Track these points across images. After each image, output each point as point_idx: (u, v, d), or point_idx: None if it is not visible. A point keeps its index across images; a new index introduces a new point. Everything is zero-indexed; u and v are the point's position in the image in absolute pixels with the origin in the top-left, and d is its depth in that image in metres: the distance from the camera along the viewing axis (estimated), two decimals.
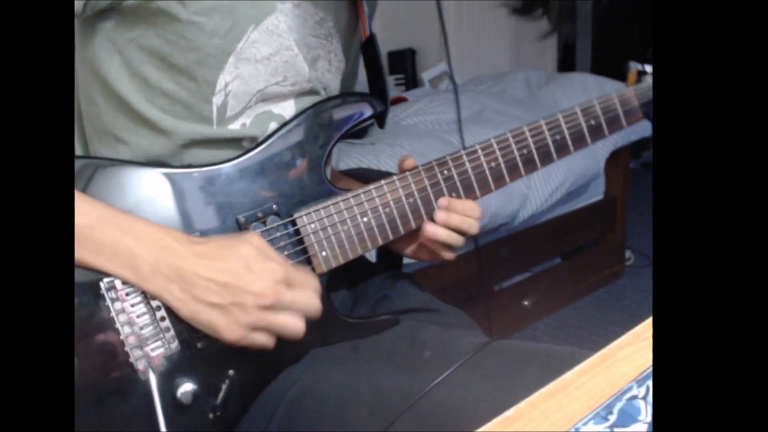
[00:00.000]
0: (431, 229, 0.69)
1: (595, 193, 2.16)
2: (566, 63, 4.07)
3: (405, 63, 2.98)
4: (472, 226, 0.70)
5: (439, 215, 0.69)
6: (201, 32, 0.59)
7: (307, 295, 0.59)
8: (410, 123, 1.91)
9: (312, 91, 0.70)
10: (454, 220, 0.69)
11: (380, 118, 0.72)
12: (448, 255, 0.72)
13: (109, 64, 0.62)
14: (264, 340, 0.58)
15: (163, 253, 0.55)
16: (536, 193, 1.77)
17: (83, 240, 0.53)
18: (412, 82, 2.99)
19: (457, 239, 0.70)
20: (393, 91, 2.79)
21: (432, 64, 3.03)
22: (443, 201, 0.69)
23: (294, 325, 0.58)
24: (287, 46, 0.65)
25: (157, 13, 0.58)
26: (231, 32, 0.61)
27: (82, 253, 0.53)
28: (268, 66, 0.64)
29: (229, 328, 0.55)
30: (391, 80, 3.02)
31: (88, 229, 0.53)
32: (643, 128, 2.12)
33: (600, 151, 2.01)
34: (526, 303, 1.97)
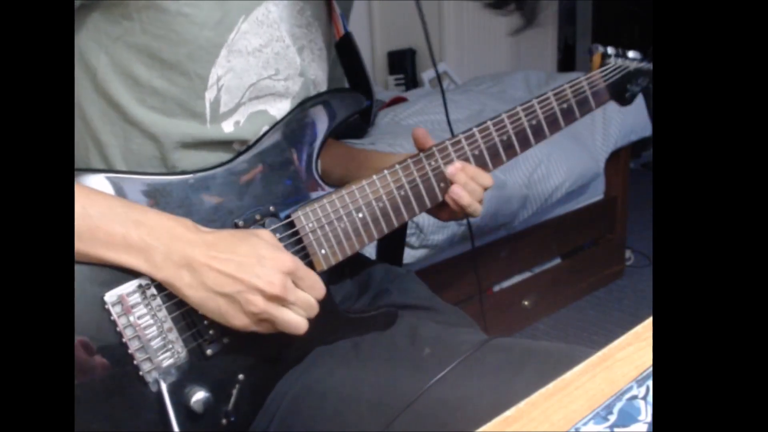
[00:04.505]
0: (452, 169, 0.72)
1: (595, 193, 2.16)
2: (566, 63, 4.07)
3: (405, 63, 2.98)
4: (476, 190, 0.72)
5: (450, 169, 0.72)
6: (191, 24, 0.58)
7: (311, 300, 0.59)
8: (410, 123, 1.91)
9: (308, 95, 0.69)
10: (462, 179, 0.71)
11: (366, 114, 0.72)
12: (473, 208, 0.72)
13: (96, 65, 0.60)
14: (267, 329, 0.58)
15: (174, 241, 0.55)
16: (536, 193, 1.77)
17: (94, 231, 0.52)
18: (412, 82, 2.99)
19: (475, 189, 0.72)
20: (393, 91, 2.79)
21: (432, 64, 3.02)
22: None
23: (297, 322, 0.58)
24: (278, 36, 0.64)
25: (143, 8, 0.57)
26: (222, 23, 0.59)
27: (93, 245, 0.53)
28: (259, 58, 0.63)
29: (237, 315, 0.56)
30: (391, 80, 3.02)
31: (99, 220, 0.53)
32: (643, 128, 2.12)
33: (600, 151, 2.01)
34: (526, 303, 1.97)
